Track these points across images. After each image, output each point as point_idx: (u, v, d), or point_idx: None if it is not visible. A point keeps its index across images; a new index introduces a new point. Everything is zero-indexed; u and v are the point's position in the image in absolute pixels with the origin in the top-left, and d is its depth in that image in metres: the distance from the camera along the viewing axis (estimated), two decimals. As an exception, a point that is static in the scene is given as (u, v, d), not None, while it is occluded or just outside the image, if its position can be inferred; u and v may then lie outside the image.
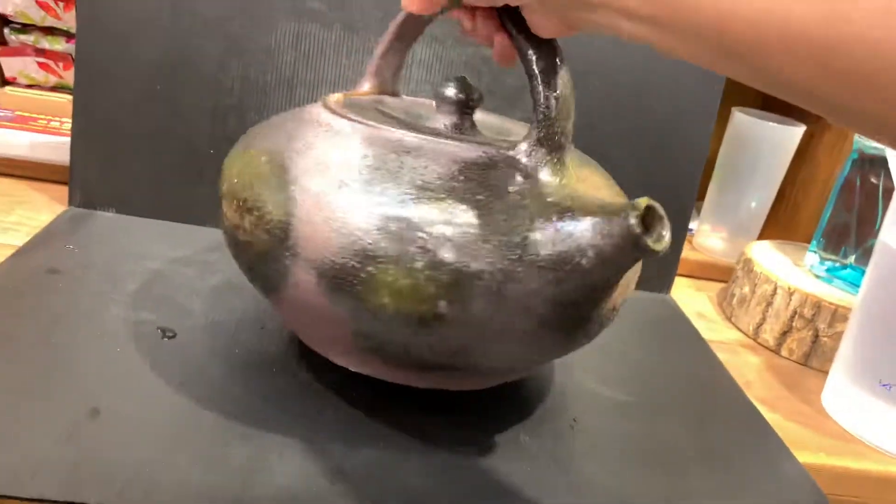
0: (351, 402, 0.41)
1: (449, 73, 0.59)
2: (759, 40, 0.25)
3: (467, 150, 0.36)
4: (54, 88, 0.69)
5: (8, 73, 0.68)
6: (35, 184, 0.62)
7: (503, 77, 0.60)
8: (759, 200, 0.75)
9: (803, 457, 0.46)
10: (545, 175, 0.35)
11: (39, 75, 0.68)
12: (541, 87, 0.35)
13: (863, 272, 0.54)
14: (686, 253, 0.72)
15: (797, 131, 0.72)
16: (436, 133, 0.38)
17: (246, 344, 0.45)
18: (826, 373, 0.56)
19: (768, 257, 0.67)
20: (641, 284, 0.42)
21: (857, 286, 0.56)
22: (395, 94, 0.47)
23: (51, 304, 0.44)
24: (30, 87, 0.69)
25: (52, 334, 0.42)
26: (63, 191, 0.58)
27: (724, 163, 0.75)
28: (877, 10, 0.22)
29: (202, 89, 0.57)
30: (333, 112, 0.39)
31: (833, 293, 0.60)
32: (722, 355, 0.57)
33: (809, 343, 0.60)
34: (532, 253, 0.32)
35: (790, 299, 0.60)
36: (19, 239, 0.52)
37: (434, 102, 0.43)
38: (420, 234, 0.32)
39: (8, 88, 0.68)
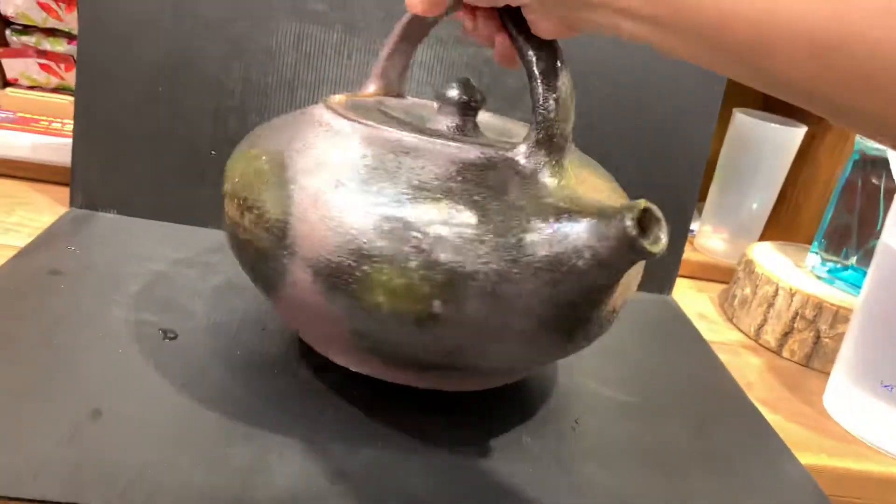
0: (351, 403, 0.41)
1: (450, 75, 0.59)
2: (760, 40, 0.25)
3: (466, 152, 0.36)
4: (56, 90, 0.69)
5: (9, 75, 0.69)
6: (37, 185, 0.62)
7: (504, 78, 0.60)
8: (761, 201, 0.75)
9: (805, 458, 0.46)
10: (544, 176, 0.35)
11: (41, 77, 0.69)
12: (541, 89, 0.35)
13: (864, 273, 0.54)
14: (687, 254, 0.72)
15: (798, 132, 0.72)
16: (436, 134, 0.38)
17: (247, 345, 0.45)
18: (827, 374, 0.56)
19: (770, 258, 0.67)
20: (642, 285, 0.42)
21: (859, 287, 0.56)
22: (400, 95, 0.47)
23: (52, 306, 0.45)
24: (31, 88, 0.69)
25: (54, 335, 0.42)
26: (65, 192, 0.58)
27: (726, 164, 0.75)
28: (877, 10, 0.22)
29: (204, 91, 0.58)
30: (334, 112, 0.39)
31: (834, 294, 0.60)
32: (723, 356, 0.57)
33: (811, 344, 0.60)
34: (528, 254, 0.32)
35: (791, 300, 0.60)
36: (21, 240, 0.52)
37: (436, 104, 0.43)
38: (415, 234, 0.32)
39: (9, 90, 0.68)
